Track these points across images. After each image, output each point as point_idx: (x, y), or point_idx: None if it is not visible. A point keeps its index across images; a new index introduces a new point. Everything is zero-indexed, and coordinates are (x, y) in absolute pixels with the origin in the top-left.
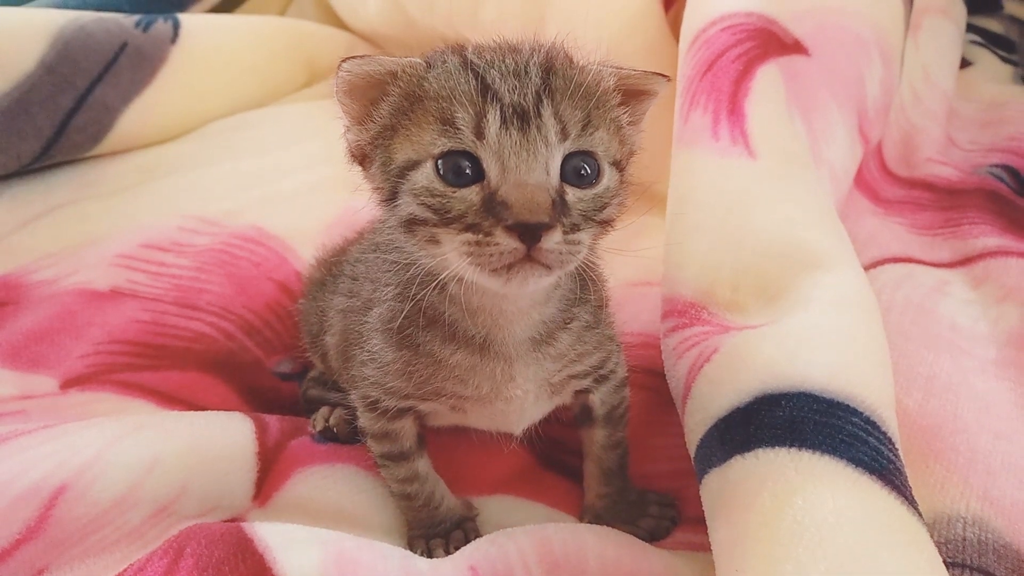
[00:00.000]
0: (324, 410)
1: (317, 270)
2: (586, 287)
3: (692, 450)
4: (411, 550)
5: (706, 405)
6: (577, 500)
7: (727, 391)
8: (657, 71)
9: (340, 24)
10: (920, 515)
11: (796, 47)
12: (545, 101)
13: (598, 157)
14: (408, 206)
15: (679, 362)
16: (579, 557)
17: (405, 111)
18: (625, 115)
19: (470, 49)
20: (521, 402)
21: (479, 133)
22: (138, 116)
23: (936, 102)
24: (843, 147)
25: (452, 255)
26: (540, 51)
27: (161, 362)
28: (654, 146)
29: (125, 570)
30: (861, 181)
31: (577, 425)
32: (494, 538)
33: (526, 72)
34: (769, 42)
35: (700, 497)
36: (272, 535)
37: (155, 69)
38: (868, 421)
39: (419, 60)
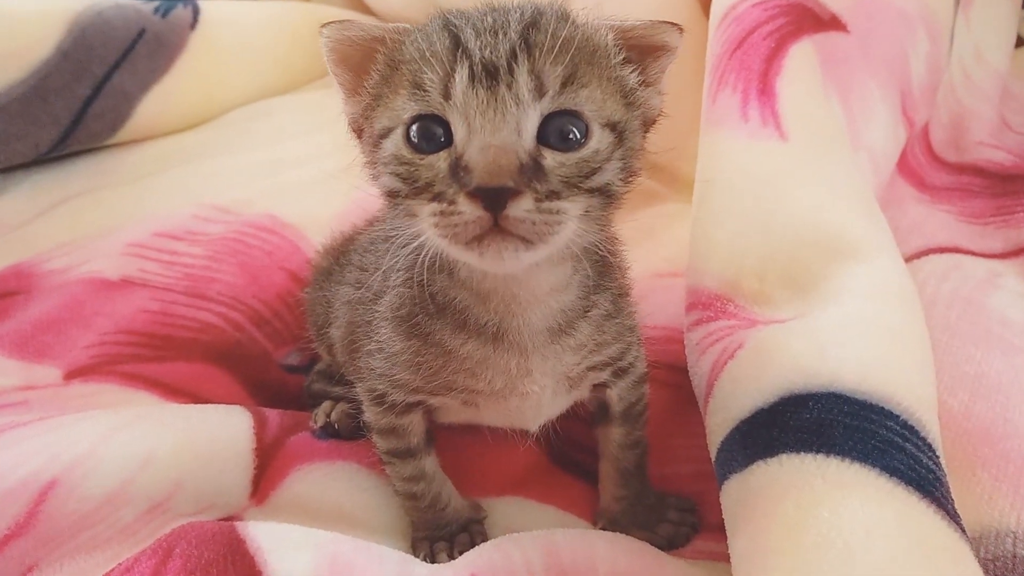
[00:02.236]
0: (326, 405)
1: (324, 258)
2: (605, 273)
3: (713, 452)
4: (414, 552)
5: (728, 405)
6: (592, 503)
7: (750, 390)
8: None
9: (365, 9)
10: (963, 530)
11: (833, 23)
12: (521, 57)
13: (585, 117)
14: (382, 177)
15: (702, 358)
16: (588, 566)
17: (387, 79)
18: (633, 74)
19: (456, 12)
20: (538, 397)
21: (446, 93)
22: (157, 104)
23: (989, 82)
24: (884, 130)
25: (424, 227)
26: (528, 8)
27: (167, 353)
28: (681, 128)
29: (112, 570)
30: (905, 166)
31: (593, 423)
32: (499, 543)
33: (504, 28)
34: (803, 18)
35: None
36: (265, 536)
37: (173, 56)
38: (905, 425)
39: (406, 25)
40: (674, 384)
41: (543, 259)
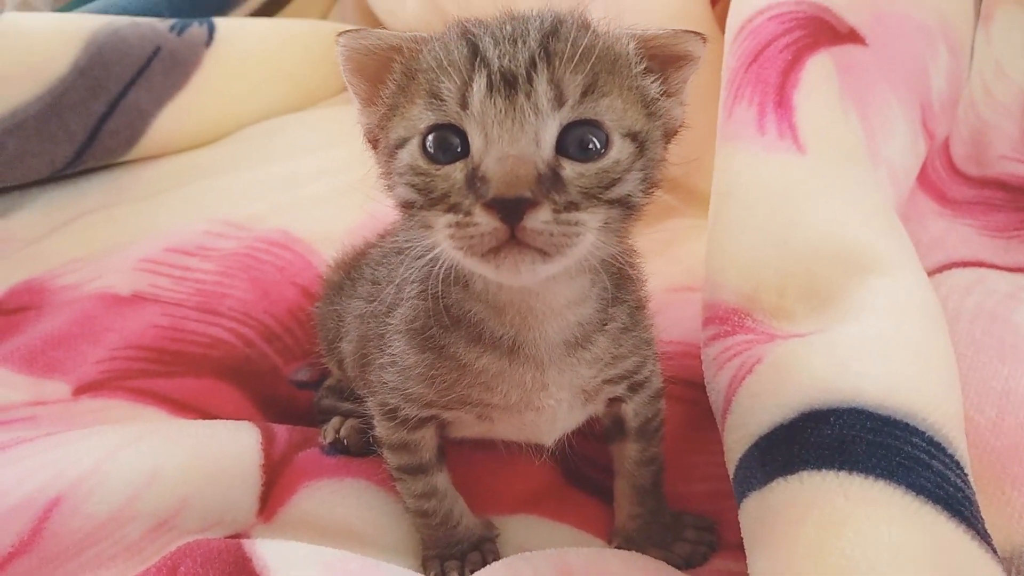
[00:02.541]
0: (335, 420)
1: (335, 272)
2: (623, 286)
3: (731, 470)
4: (424, 571)
5: (747, 421)
6: (606, 521)
7: (769, 406)
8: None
9: (379, 26)
10: (994, 551)
11: (851, 36)
12: (540, 66)
13: (605, 127)
14: (397, 187)
15: (720, 373)
16: None
17: (404, 88)
18: (655, 84)
19: (474, 20)
20: (553, 411)
21: (463, 103)
22: (171, 120)
23: (1010, 97)
24: (904, 144)
25: (440, 239)
26: (548, 17)
27: (176, 369)
28: (698, 142)
29: None
30: (925, 180)
31: (608, 439)
32: (510, 563)
33: (523, 37)
34: (821, 31)
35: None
36: (272, 554)
37: (189, 73)
38: (931, 442)
39: (423, 34)
40: (690, 400)
41: (560, 271)
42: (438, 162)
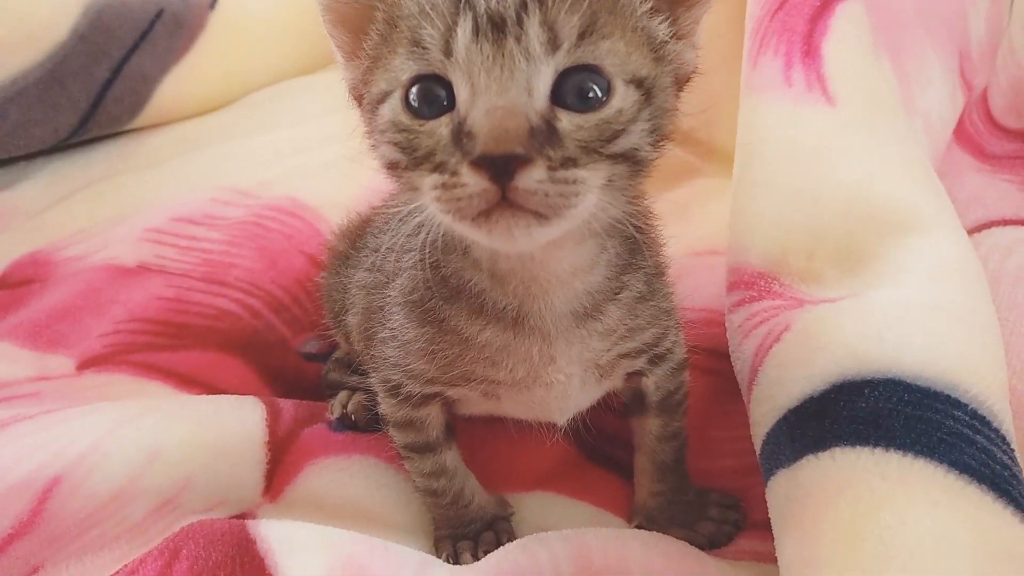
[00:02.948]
0: (342, 395)
1: (340, 241)
2: (637, 251)
3: (758, 445)
4: (436, 552)
5: (774, 393)
6: (627, 499)
7: (798, 377)
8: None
9: None
10: None
11: None
12: (531, 6)
13: (607, 73)
14: (381, 146)
15: (745, 342)
16: (621, 569)
17: (386, 38)
18: (663, 25)
19: None
20: (564, 387)
21: (447, 50)
22: (176, 86)
23: None
24: (941, 94)
25: (427, 202)
26: None
27: (182, 342)
28: (717, 94)
29: (118, 572)
30: (962, 134)
31: (628, 413)
32: (526, 544)
33: None
34: None
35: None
36: (277, 536)
37: (193, 37)
38: (975, 415)
39: None
40: (715, 370)
41: (562, 235)
42: (422, 117)
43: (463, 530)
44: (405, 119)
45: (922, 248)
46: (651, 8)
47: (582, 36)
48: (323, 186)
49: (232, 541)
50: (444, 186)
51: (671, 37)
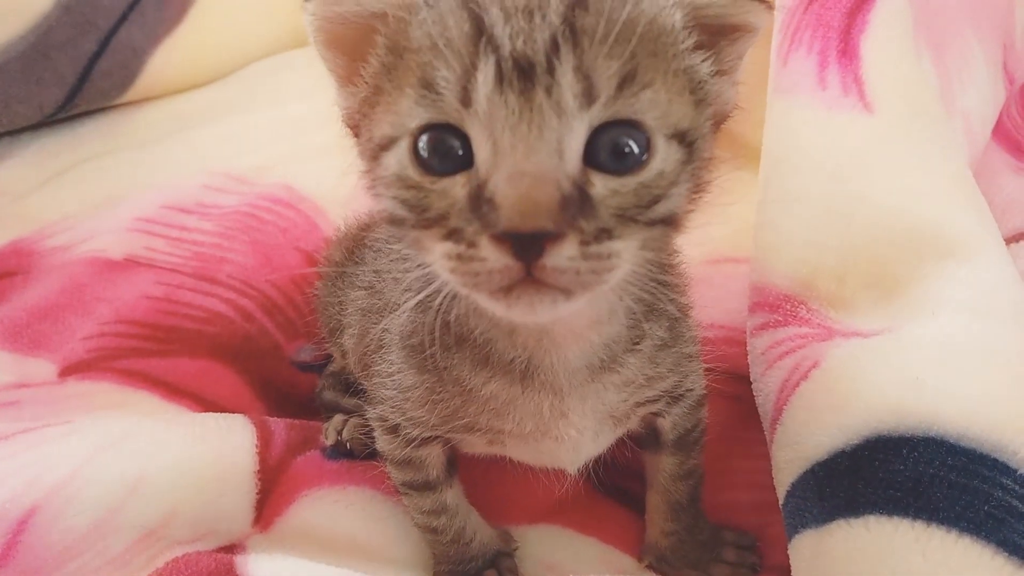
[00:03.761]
0: (337, 420)
1: (337, 250)
2: (659, 294)
3: (780, 494)
4: None
5: (801, 439)
6: (637, 535)
7: (829, 426)
8: None
9: None
10: None
11: None
12: (564, 48)
13: (647, 128)
14: (383, 199)
15: (769, 373)
16: None
17: (390, 69)
18: (705, 63)
19: None
20: (576, 441)
21: (465, 98)
22: (168, 59)
23: None
24: (983, 92)
25: (437, 268)
26: None
27: (170, 347)
28: (746, 85)
29: None
30: (1000, 130)
31: (641, 447)
32: None
33: (542, 7)
34: None
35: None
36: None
37: (185, 6)
38: None
39: None
40: (733, 395)
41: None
42: (433, 172)
43: (464, 567)
44: (414, 175)
45: (963, 276)
46: (694, 44)
47: (621, 86)
48: (321, 173)
49: None
50: (460, 258)
51: (712, 74)
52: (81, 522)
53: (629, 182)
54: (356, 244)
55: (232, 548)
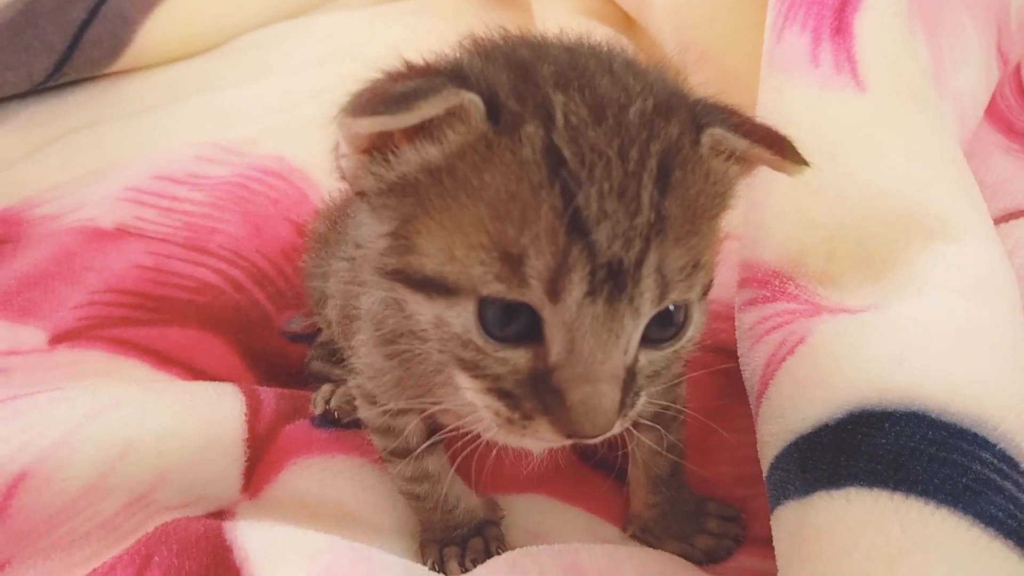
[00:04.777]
0: (325, 389)
1: (321, 223)
2: None
3: (764, 466)
4: (421, 556)
5: (786, 413)
6: (621, 505)
7: (814, 399)
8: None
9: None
10: None
11: None
12: (652, 247)
13: (691, 305)
14: (422, 322)
15: (756, 348)
16: None
17: (445, 191)
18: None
19: (559, 111)
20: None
21: (554, 293)
22: (159, 28)
23: None
24: (975, 72)
25: (469, 394)
26: (659, 138)
27: (160, 316)
28: (737, 66)
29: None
30: (993, 110)
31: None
32: (515, 559)
33: (637, 190)
34: None
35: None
36: (255, 544)
37: None
38: (1003, 456)
39: (475, 101)
40: (720, 370)
41: None
42: (495, 339)
43: (449, 535)
44: (478, 340)
45: (950, 256)
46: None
47: (689, 275)
48: (313, 145)
49: (207, 548)
50: (511, 422)
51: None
52: (71, 486)
53: (665, 351)
54: (340, 215)
55: (221, 514)
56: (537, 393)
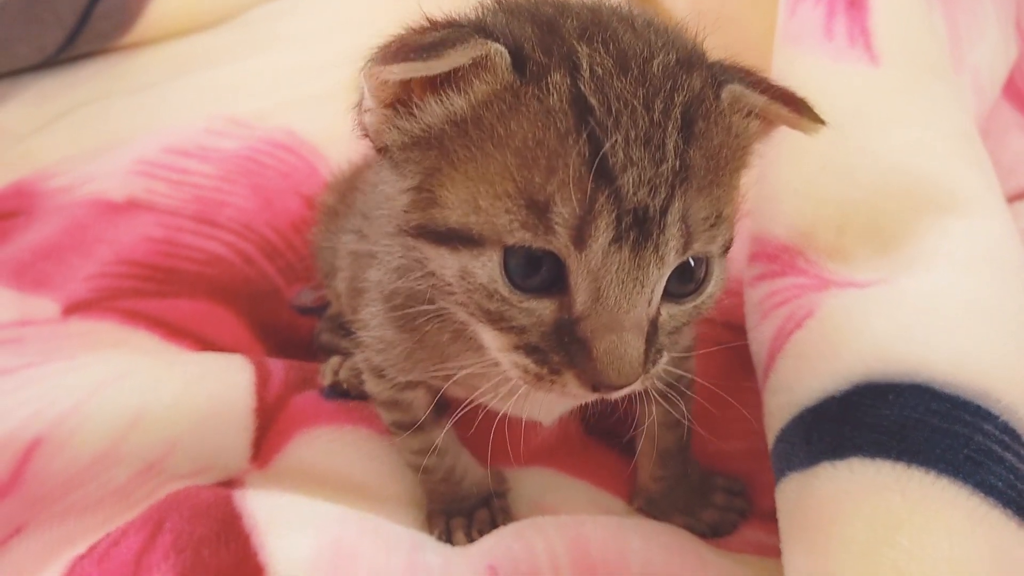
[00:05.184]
0: (334, 361)
1: (330, 196)
2: None
3: (770, 439)
4: (428, 527)
5: (792, 386)
6: (628, 478)
7: (820, 372)
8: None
9: None
10: None
11: None
12: (677, 195)
13: (712, 258)
14: (447, 276)
15: (764, 322)
16: (620, 562)
17: (471, 142)
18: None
19: (584, 62)
20: (546, 403)
21: (579, 241)
22: (169, 1)
23: None
24: (993, 49)
25: (495, 351)
26: (683, 89)
27: (170, 288)
28: (753, 36)
29: (100, 541)
30: (1011, 88)
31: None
32: (521, 531)
33: (662, 138)
34: None
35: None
36: (263, 513)
37: None
38: (1005, 428)
39: (501, 51)
40: (729, 345)
41: None
42: (520, 289)
43: (456, 506)
44: (504, 291)
45: (960, 231)
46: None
47: (710, 229)
48: (323, 118)
49: (217, 515)
50: (539, 377)
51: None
52: (84, 453)
53: (687, 305)
54: (349, 188)
55: (230, 483)
56: (563, 346)
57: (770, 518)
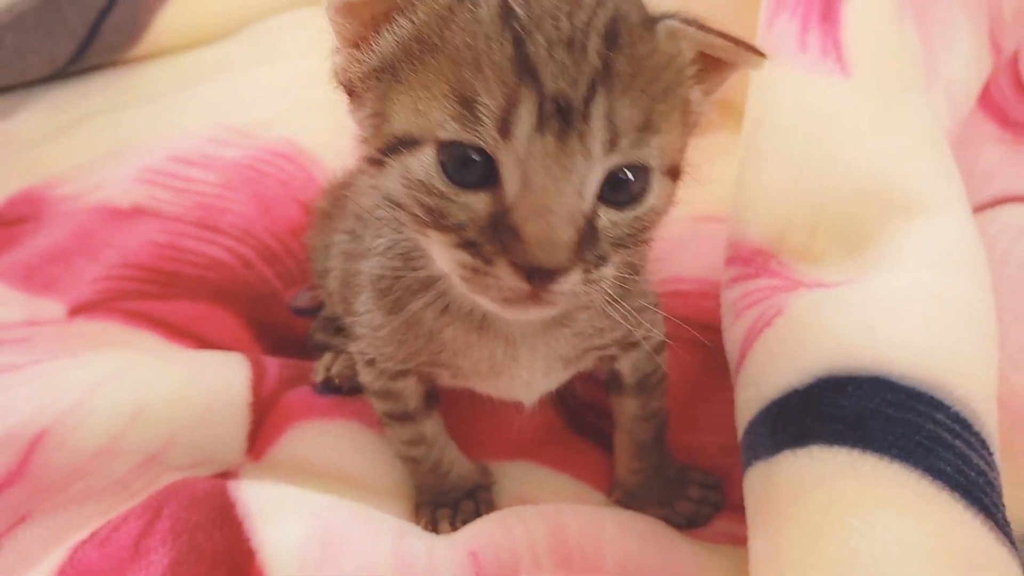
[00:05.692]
0: (326, 358)
1: (324, 200)
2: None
3: (740, 432)
4: (416, 517)
5: (760, 381)
6: (608, 472)
7: (785, 367)
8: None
9: None
10: (1012, 543)
11: None
12: (600, 92)
13: (650, 170)
14: (394, 189)
15: (737, 322)
16: (595, 550)
17: (414, 56)
18: (698, 89)
19: None
20: (527, 380)
21: (504, 130)
22: (178, 13)
23: None
24: (966, 60)
25: (441, 261)
26: (607, 7)
27: (172, 290)
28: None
29: (102, 527)
30: (987, 100)
31: (608, 390)
32: (503, 518)
33: (583, 42)
34: None
35: None
36: (257, 500)
37: None
38: (956, 418)
39: None
40: (705, 345)
41: None
42: (456, 184)
43: (443, 498)
44: (440, 184)
45: (925, 232)
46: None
47: (639, 134)
48: (322, 128)
49: (212, 503)
50: (475, 270)
51: (697, 102)
52: (87, 446)
53: (627, 215)
54: (342, 192)
55: (226, 475)
56: (498, 236)
57: (743, 510)
